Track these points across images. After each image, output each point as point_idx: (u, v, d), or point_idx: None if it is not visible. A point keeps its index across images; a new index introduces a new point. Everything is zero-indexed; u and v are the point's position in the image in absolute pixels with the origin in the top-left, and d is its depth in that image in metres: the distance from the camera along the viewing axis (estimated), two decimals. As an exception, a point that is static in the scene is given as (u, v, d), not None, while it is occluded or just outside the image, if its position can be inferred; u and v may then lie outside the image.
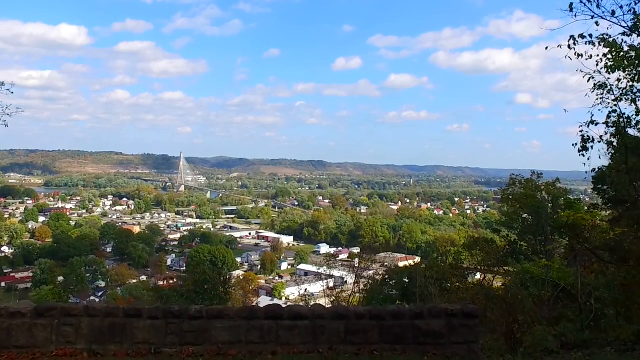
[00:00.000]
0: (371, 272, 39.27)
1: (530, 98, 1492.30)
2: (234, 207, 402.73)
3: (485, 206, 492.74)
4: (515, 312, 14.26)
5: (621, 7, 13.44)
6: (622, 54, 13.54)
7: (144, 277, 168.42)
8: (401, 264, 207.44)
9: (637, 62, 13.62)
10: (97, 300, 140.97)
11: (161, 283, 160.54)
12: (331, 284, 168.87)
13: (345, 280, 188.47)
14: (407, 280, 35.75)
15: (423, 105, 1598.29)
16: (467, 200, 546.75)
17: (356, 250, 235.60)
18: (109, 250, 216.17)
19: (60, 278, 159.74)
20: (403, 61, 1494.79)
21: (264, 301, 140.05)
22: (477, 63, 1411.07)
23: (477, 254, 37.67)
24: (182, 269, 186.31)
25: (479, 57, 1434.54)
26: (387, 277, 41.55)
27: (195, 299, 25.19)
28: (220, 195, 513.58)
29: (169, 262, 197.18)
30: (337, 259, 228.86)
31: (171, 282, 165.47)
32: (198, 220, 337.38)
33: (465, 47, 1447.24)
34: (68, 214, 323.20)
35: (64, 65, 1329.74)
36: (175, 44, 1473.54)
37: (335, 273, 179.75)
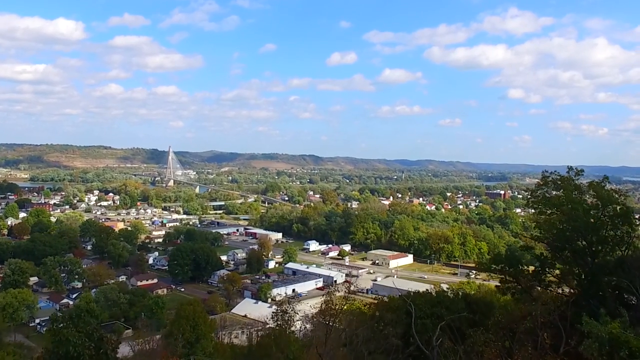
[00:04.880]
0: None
1: (522, 93, 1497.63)
2: (222, 202, 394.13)
3: (477, 201, 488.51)
4: None
5: None
6: None
7: (122, 277, 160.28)
8: (393, 263, 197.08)
9: None
10: (71, 303, 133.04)
11: (140, 283, 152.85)
12: (320, 284, 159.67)
13: (335, 279, 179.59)
14: (405, 314, 27.94)
15: (416, 100, 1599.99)
16: (459, 195, 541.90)
17: (347, 247, 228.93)
18: (89, 248, 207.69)
19: (34, 278, 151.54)
20: (398, 56, 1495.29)
21: (247, 303, 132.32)
22: (471, 59, 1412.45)
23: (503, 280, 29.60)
24: (164, 267, 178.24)
25: (473, 53, 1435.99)
26: (377, 313, 33.55)
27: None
28: (209, 189, 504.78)
29: (150, 261, 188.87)
30: (327, 256, 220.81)
31: (151, 282, 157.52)
32: (185, 216, 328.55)
33: (460, 43, 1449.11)
34: (50, 209, 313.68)
35: (59, 60, 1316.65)
36: (172, 38, 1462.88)
37: (325, 272, 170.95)
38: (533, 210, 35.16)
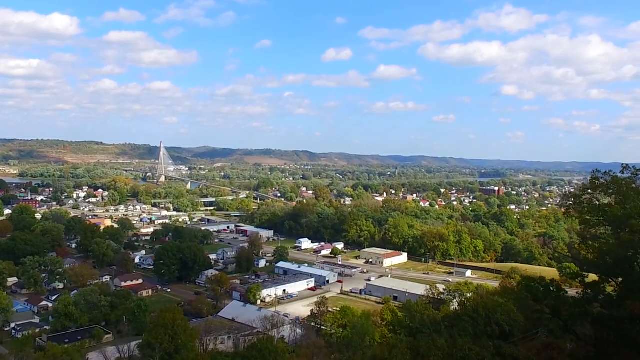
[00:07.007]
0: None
1: (515, 90, 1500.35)
2: (213, 199, 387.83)
3: (471, 197, 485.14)
4: None
5: None
6: None
7: (107, 277, 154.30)
8: (387, 262, 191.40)
9: None
10: (50, 305, 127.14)
11: (124, 284, 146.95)
12: (312, 284, 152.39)
13: (327, 279, 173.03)
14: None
15: (411, 97, 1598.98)
16: (453, 191, 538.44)
17: (340, 245, 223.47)
18: (74, 246, 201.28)
19: (13, 279, 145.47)
20: (393, 53, 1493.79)
21: (236, 306, 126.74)
22: (465, 55, 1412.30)
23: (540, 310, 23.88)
24: (151, 267, 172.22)
25: (467, 50, 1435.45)
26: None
27: None
28: (201, 186, 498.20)
29: (137, 260, 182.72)
30: (320, 254, 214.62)
31: (136, 282, 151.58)
32: (174, 213, 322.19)
33: (455, 40, 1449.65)
34: (37, 206, 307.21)
35: (53, 55, 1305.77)
36: (167, 34, 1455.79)
37: (317, 271, 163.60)
38: (577, 221, 28.92)
